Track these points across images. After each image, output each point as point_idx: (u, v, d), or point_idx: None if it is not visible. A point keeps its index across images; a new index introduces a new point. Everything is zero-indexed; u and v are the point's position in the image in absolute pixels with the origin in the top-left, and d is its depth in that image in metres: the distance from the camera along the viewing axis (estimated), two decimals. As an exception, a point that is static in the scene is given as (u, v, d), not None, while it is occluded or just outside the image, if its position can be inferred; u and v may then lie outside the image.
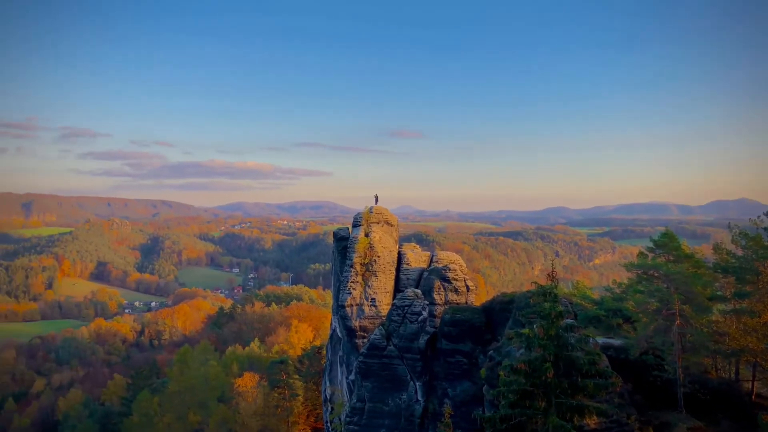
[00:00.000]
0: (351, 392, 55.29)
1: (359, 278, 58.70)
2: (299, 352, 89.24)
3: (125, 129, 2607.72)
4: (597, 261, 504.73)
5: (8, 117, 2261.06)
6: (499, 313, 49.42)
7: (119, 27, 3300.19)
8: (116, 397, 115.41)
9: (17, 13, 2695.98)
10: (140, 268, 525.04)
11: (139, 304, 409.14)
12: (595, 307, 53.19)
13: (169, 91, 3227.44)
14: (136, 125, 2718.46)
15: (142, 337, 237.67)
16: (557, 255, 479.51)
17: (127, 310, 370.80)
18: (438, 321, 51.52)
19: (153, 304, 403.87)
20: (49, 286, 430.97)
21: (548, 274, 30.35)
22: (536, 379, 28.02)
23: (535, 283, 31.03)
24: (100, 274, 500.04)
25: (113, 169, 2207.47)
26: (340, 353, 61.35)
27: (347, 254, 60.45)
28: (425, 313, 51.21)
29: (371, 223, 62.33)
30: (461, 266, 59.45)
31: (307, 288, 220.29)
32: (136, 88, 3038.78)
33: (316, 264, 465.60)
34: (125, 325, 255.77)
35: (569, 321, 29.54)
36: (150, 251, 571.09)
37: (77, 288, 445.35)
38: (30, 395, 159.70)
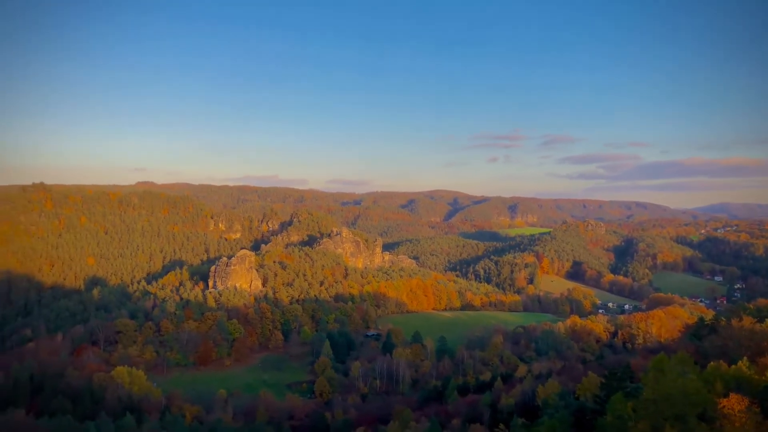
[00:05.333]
0: None
1: None
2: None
3: (600, 132, 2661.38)
4: None
5: (498, 131, 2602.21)
6: None
7: (531, 52, 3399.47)
8: (590, 393, 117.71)
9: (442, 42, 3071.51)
10: (614, 270, 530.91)
11: (612, 306, 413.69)
12: None
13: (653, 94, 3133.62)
14: (610, 128, 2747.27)
15: (615, 339, 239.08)
16: None
17: (600, 311, 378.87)
18: None
19: (626, 306, 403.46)
20: (530, 281, 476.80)
21: None
22: None
23: None
24: (575, 273, 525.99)
25: (588, 172, 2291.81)
26: None
27: None
28: None
29: None
30: None
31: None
32: (612, 93, 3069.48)
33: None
34: (599, 325, 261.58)
35: None
36: (623, 253, 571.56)
37: (554, 285, 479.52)
38: (514, 378, 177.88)
